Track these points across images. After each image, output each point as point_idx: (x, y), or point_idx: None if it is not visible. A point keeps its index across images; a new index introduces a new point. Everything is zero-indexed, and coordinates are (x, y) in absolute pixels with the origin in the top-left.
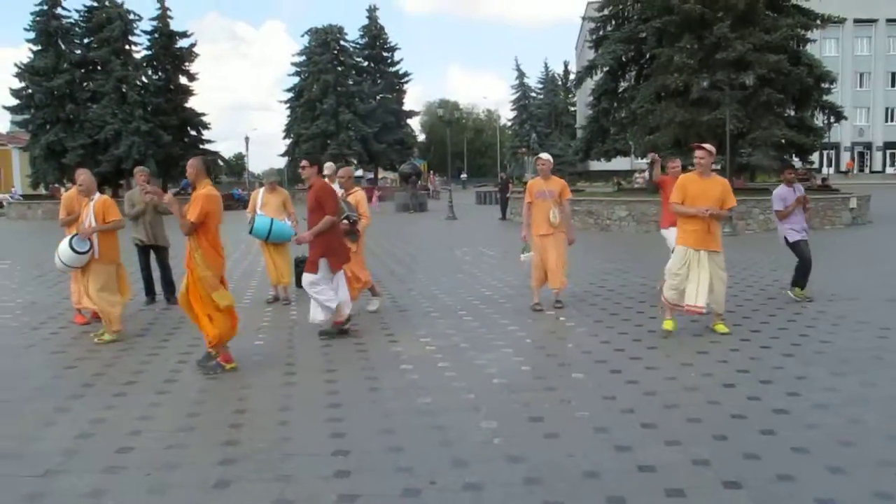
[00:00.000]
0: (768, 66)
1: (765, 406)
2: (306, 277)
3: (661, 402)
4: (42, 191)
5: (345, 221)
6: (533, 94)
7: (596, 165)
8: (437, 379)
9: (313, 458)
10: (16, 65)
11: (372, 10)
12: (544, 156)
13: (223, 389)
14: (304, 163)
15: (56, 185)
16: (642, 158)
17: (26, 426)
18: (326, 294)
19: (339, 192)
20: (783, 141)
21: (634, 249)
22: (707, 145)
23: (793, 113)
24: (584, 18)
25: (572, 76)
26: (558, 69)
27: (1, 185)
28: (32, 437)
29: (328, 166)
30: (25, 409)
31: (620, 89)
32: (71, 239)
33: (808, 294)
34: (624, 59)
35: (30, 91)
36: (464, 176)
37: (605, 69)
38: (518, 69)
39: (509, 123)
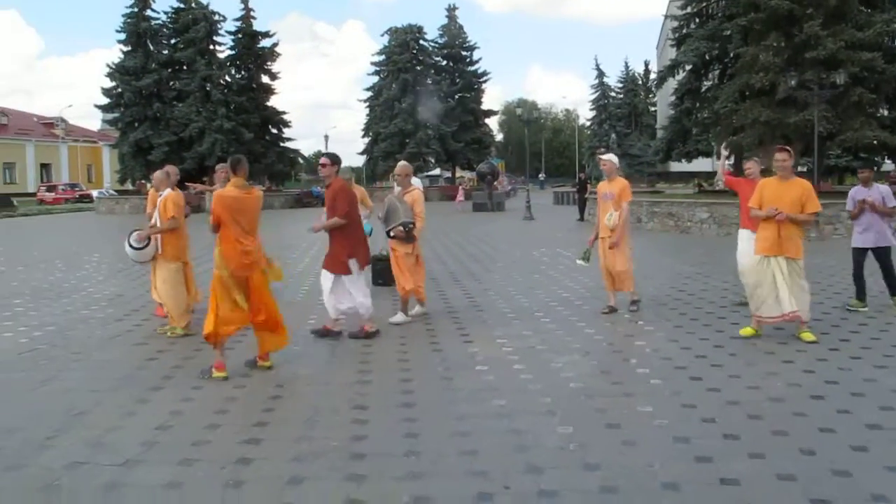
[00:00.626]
0: (861, 65)
1: (856, 420)
2: (325, 277)
3: (744, 413)
4: (129, 186)
5: (400, 228)
6: (612, 94)
7: (676, 166)
8: (512, 381)
9: (386, 458)
10: (107, 65)
11: (451, 10)
12: (606, 156)
13: (299, 386)
14: (323, 160)
15: (142, 181)
16: (720, 159)
17: (109, 416)
18: (344, 299)
19: (396, 190)
20: (875, 142)
21: (715, 252)
22: (789, 148)
23: (886, 113)
24: (666, 16)
25: (653, 75)
26: (638, 68)
27: (93, 181)
28: (114, 427)
29: (402, 165)
30: (108, 399)
31: (703, 88)
32: (129, 235)
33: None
34: (707, 57)
35: (120, 90)
36: (542, 176)
37: (688, 68)
38: (598, 68)
39: (588, 123)
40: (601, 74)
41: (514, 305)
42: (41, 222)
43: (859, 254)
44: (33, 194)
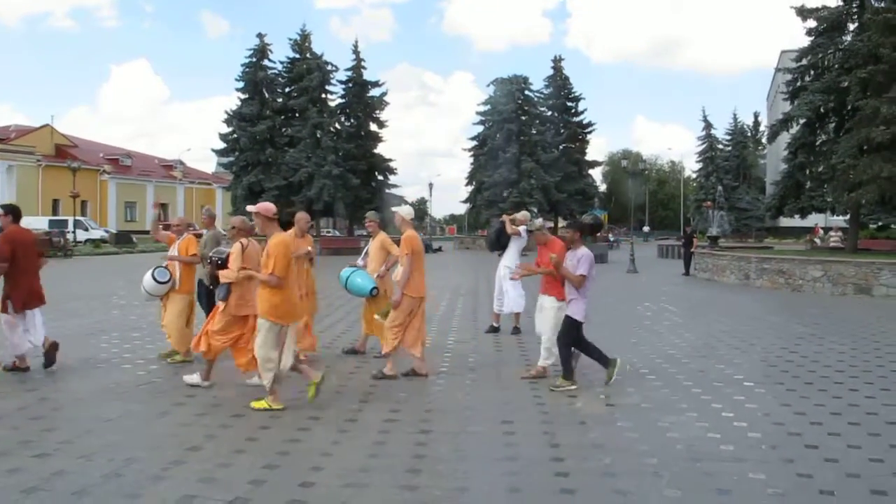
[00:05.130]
0: None
1: None
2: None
3: (866, 487)
4: None
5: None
6: (720, 146)
7: (786, 221)
8: (617, 439)
9: None
10: (225, 111)
11: (557, 61)
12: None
13: (403, 433)
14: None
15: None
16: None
17: (220, 452)
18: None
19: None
20: None
21: (830, 313)
22: None
23: None
24: (778, 69)
25: (762, 127)
26: (748, 120)
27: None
28: (225, 464)
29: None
30: (220, 435)
31: (818, 142)
32: (154, 270)
33: None
34: (822, 110)
35: (236, 135)
36: (646, 228)
37: (802, 121)
38: (705, 120)
39: (694, 175)
40: (709, 126)
41: None
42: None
43: None
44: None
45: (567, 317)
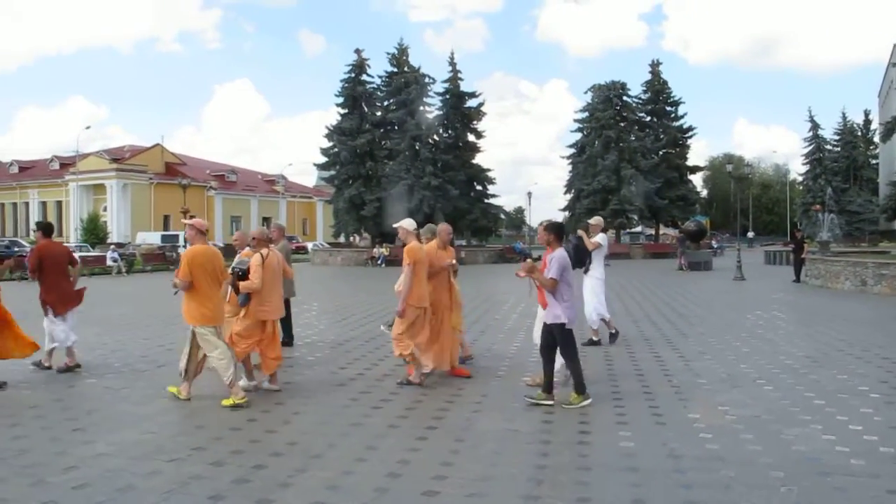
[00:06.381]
0: None
1: None
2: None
3: None
4: (341, 239)
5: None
6: (828, 147)
7: None
8: (739, 452)
9: None
10: (326, 126)
11: (655, 65)
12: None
13: (521, 442)
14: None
15: (355, 235)
16: None
17: (342, 460)
18: None
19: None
20: None
21: None
22: None
23: None
24: (892, 64)
25: (874, 125)
26: (857, 118)
27: (307, 234)
28: (348, 471)
29: (409, 223)
30: (340, 443)
31: None
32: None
33: None
34: None
35: (336, 150)
36: (750, 234)
37: None
38: (811, 120)
39: (800, 178)
40: (815, 126)
41: (734, 371)
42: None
43: None
44: None
45: (553, 326)
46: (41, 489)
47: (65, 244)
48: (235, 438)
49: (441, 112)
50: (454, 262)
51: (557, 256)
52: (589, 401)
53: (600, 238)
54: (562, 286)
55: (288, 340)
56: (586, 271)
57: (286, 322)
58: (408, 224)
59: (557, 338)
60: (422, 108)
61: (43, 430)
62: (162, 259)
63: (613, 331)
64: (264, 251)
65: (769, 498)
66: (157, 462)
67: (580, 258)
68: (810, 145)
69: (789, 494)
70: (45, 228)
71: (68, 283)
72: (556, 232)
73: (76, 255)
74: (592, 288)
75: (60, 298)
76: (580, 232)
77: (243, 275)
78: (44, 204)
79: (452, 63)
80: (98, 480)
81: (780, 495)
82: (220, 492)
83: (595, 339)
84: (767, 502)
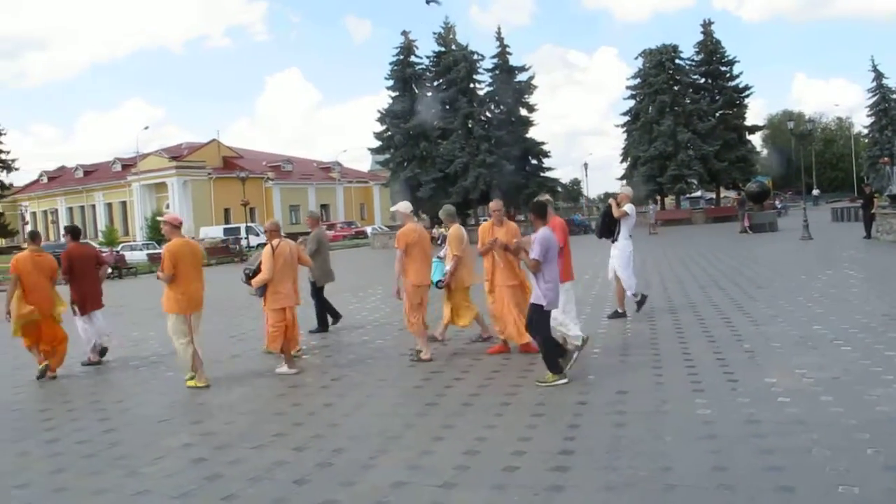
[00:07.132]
0: None
1: None
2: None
3: None
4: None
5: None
6: (894, 97)
7: None
8: (821, 415)
9: (697, 490)
10: (378, 110)
11: (707, 25)
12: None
13: (597, 414)
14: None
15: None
16: None
17: (420, 440)
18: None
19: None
20: None
21: None
22: None
23: None
24: None
25: None
26: None
27: (365, 218)
28: (427, 451)
29: (405, 206)
30: (417, 423)
31: None
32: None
33: None
34: None
35: (389, 133)
36: (815, 191)
37: None
38: (875, 70)
39: (865, 131)
40: (879, 76)
41: (808, 333)
42: None
43: None
44: None
45: (532, 305)
46: (134, 479)
47: (92, 245)
48: (314, 423)
49: (492, 88)
50: (515, 240)
51: (540, 237)
52: (565, 380)
53: (628, 208)
54: (545, 267)
55: (323, 328)
56: (614, 241)
57: (320, 308)
58: (404, 207)
59: (532, 316)
60: (472, 85)
61: (128, 425)
62: (226, 252)
63: (638, 297)
64: (275, 242)
65: (856, 460)
66: (240, 450)
67: (609, 227)
68: (874, 96)
69: (877, 457)
70: (73, 232)
71: (96, 283)
72: (539, 211)
73: (147, 253)
74: (621, 261)
75: (88, 297)
76: (610, 201)
77: (254, 273)
78: (109, 205)
79: (500, 38)
80: (186, 469)
81: (867, 457)
82: (305, 476)
83: (620, 311)
84: (854, 465)
